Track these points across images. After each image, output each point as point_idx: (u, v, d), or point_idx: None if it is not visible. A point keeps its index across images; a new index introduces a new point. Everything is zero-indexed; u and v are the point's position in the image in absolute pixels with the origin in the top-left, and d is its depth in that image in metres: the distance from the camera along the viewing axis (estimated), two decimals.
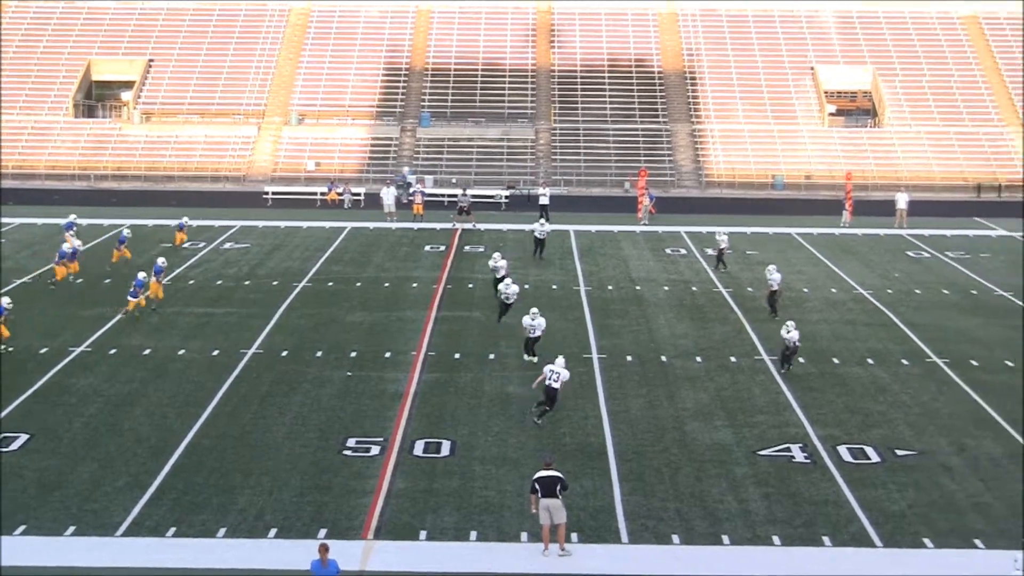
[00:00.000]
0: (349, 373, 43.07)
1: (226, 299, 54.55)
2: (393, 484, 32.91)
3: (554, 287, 57.57)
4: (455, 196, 79.12)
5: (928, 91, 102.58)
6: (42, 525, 29.89)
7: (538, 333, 44.06)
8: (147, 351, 45.46)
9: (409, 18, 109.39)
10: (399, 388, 41.42)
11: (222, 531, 29.80)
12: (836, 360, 45.63)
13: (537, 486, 28.79)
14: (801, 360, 43.98)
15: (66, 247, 57.92)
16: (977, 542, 29.86)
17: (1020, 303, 55.94)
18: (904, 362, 45.71)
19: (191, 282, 57.37)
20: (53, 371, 42.76)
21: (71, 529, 29.73)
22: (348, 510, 31.13)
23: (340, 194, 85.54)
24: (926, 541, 29.90)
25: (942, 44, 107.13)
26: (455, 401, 40.19)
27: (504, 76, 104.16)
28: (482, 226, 73.75)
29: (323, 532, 29.58)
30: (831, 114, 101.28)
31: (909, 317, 52.75)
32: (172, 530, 29.79)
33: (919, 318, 52.69)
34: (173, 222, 69.95)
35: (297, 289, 56.48)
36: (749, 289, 57.26)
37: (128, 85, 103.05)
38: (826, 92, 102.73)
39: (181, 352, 45.46)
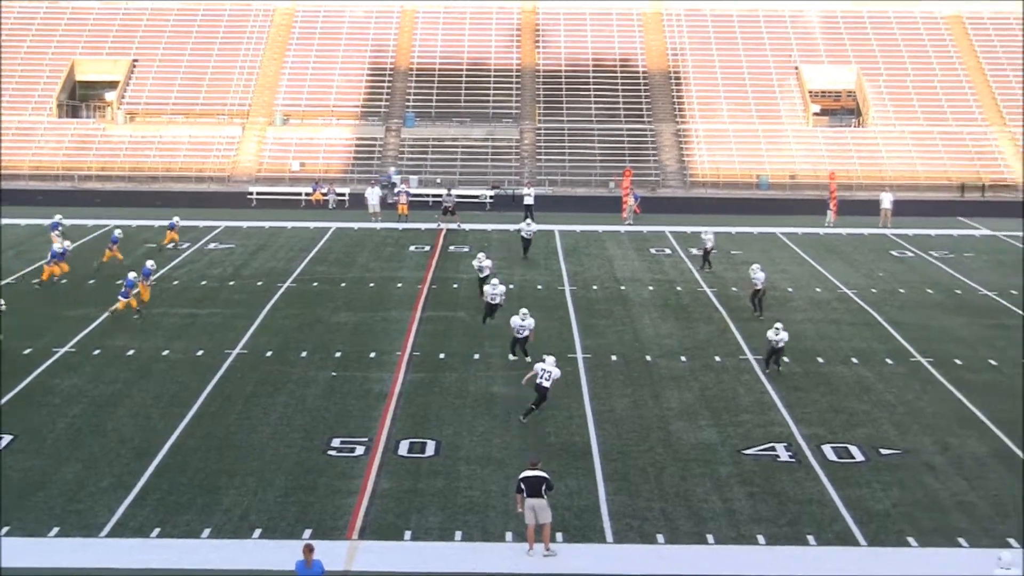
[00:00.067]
0: (334, 373, 43.04)
1: (210, 300, 54.48)
2: (378, 484, 32.89)
3: (539, 287, 57.57)
4: (440, 196, 79.13)
5: (912, 91, 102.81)
6: (26, 526, 29.81)
7: (526, 333, 44.03)
8: (131, 352, 45.38)
9: (394, 18, 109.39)
10: (384, 388, 41.40)
11: (207, 532, 29.75)
12: (820, 359, 45.69)
13: (523, 486, 28.78)
14: (786, 359, 44.01)
15: (57, 247, 57.73)
16: (961, 541, 29.92)
17: (1004, 302, 56.04)
18: (888, 361, 45.79)
19: (175, 283, 57.28)
20: (37, 372, 42.64)
21: (55, 530, 29.66)
22: (333, 510, 31.11)
23: (325, 194, 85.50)
24: (910, 540, 29.95)
25: (926, 44, 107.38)
26: (440, 401, 40.18)
27: (489, 76, 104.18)
28: (467, 226, 73.74)
29: (308, 532, 29.55)
30: (815, 114, 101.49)
31: (893, 316, 52.84)
32: (156, 531, 29.73)
33: (903, 317, 52.79)
34: (158, 223, 69.85)
35: (282, 289, 56.43)
36: (734, 289, 57.32)
37: (112, 85, 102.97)
38: (810, 92, 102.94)
39: (165, 353, 45.38)
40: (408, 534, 29.84)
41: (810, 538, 29.99)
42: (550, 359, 38.40)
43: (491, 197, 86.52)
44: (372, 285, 57.69)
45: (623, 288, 57.84)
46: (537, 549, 28.65)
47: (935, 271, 63.40)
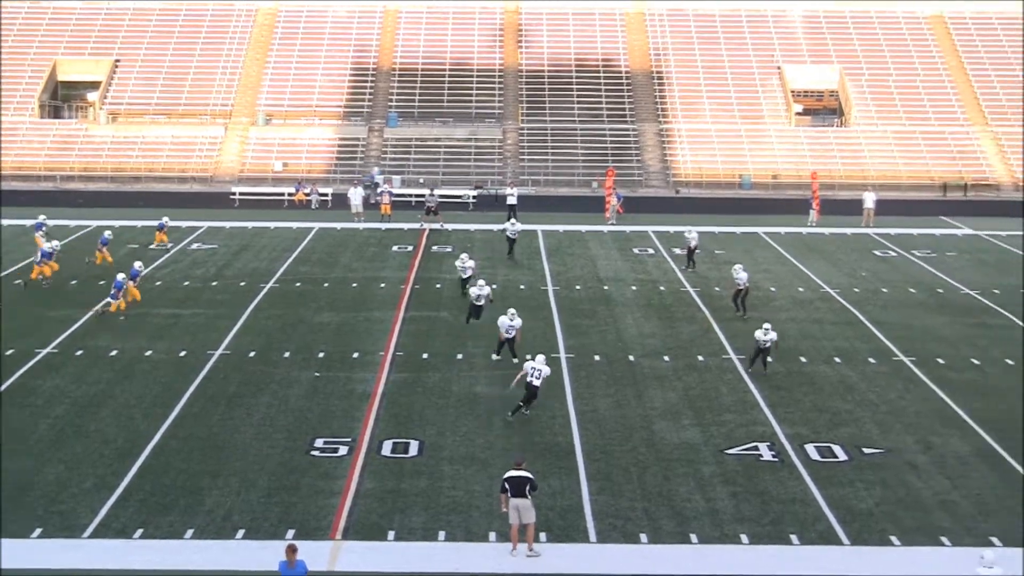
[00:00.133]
0: (317, 374, 42.99)
1: (193, 300, 54.39)
2: (361, 484, 32.86)
3: (522, 287, 57.57)
4: (422, 196, 79.15)
5: (894, 90, 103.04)
6: (8, 527, 29.69)
7: (513, 334, 44.02)
8: (114, 352, 45.29)
9: (376, 18, 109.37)
10: (367, 388, 41.36)
11: (190, 532, 29.70)
12: (803, 359, 45.74)
13: (507, 485, 28.79)
14: (769, 359, 44.02)
15: (46, 247, 57.52)
16: (943, 539, 29.98)
17: (986, 301, 56.17)
18: (871, 360, 45.86)
19: (158, 283, 57.16)
20: (19, 373, 42.52)
21: (38, 531, 29.58)
22: (316, 510, 31.07)
23: (307, 194, 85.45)
24: (893, 539, 29.99)
25: (908, 44, 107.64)
26: (423, 401, 40.16)
27: (471, 76, 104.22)
28: (450, 226, 73.74)
29: (291, 533, 29.51)
30: (798, 113, 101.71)
31: (876, 316, 52.93)
32: (139, 532, 29.67)
33: (886, 317, 52.88)
34: (141, 223, 69.71)
35: (264, 290, 56.36)
36: (716, 288, 57.36)
37: (94, 85, 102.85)
38: (793, 92, 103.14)
39: (148, 353, 45.29)
40: (391, 534, 29.82)
41: (793, 537, 30.03)
42: (540, 357, 38.46)
43: (474, 197, 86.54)
44: (355, 285, 57.66)
45: (606, 288, 57.87)
46: (520, 549, 28.65)
47: (917, 270, 63.53)
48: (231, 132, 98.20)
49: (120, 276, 51.44)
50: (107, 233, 62.08)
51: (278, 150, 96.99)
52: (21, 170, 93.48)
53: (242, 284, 57.37)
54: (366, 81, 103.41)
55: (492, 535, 29.75)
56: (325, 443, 35.99)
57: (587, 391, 41.38)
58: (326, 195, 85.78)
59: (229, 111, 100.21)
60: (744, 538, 29.94)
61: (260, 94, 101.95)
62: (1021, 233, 74.51)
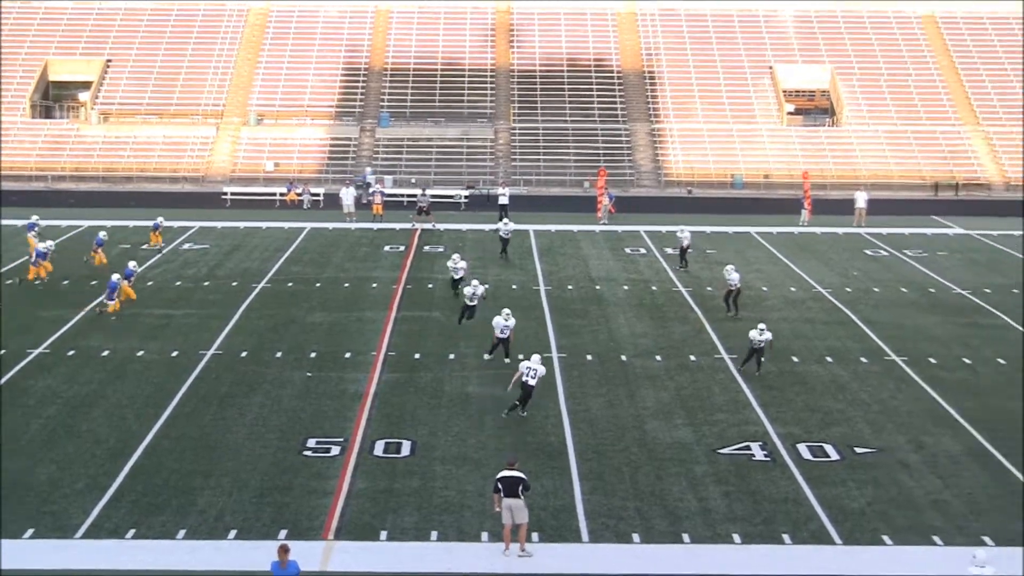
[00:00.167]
0: (309, 374, 42.97)
1: (185, 300, 54.35)
2: (353, 484, 32.86)
3: (514, 287, 57.57)
4: (414, 196, 79.08)
5: (886, 90, 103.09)
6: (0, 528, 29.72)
7: (507, 334, 44.02)
8: (106, 352, 45.25)
9: (368, 18, 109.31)
10: (359, 388, 41.36)
11: (182, 533, 29.67)
12: (795, 358, 45.77)
13: (500, 485, 28.78)
14: (763, 359, 44.00)
15: (41, 247, 57.43)
16: (935, 539, 30.01)
17: (977, 301, 56.24)
18: (863, 360, 45.91)
19: (150, 283, 57.08)
20: (11, 373, 42.48)
21: (30, 532, 29.54)
22: (308, 511, 31.06)
23: (299, 194, 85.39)
24: (885, 538, 30.03)
25: (900, 43, 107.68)
26: (415, 401, 40.16)
27: (463, 76, 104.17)
28: (441, 226, 73.72)
29: (283, 533, 29.49)
30: (790, 113, 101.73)
31: (868, 315, 52.98)
32: (132, 532, 29.64)
33: (878, 316, 52.93)
34: (132, 223, 69.63)
35: (256, 290, 56.33)
36: (708, 288, 57.39)
37: (86, 85, 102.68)
38: (784, 91, 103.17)
39: (140, 353, 45.26)
40: (384, 534, 29.81)
41: (785, 537, 30.05)
42: (535, 357, 38.52)
43: (466, 197, 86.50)
44: (347, 285, 57.64)
45: (598, 288, 57.89)
46: (513, 549, 28.65)
47: (909, 270, 63.58)
48: (223, 132, 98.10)
49: (115, 276, 51.42)
50: (102, 234, 61.98)
51: (270, 150, 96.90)
52: (12, 170, 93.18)
53: (234, 284, 57.35)
54: (358, 81, 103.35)
55: (484, 535, 29.76)
56: (317, 443, 35.98)
57: (579, 391, 41.39)
58: (318, 195, 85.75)
59: (221, 111, 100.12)
60: (736, 537, 29.95)
61: (252, 94, 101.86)
62: (1021, 233, 74.54)
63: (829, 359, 45.88)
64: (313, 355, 45.33)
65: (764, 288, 58.05)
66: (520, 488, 28.70)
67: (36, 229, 63.13)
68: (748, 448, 36.12)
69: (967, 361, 46.07)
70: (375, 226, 74.06)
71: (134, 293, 52.28)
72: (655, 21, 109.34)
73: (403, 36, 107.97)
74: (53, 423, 37.50)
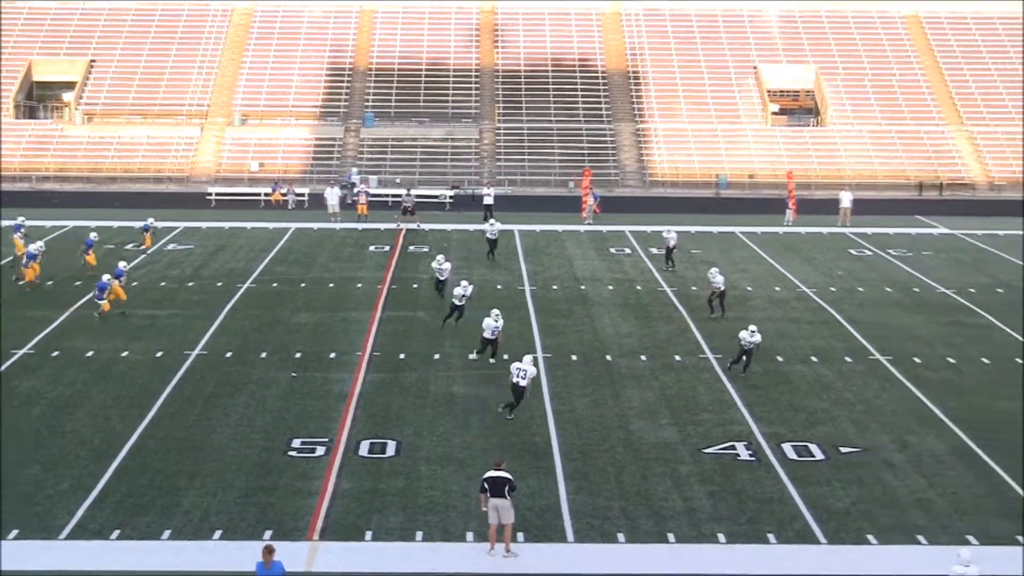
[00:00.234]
0: (294, 374, 42.94)
1: (170, 300, 54.28)
2: (338, 485, 32.83)
3: (499, 287, 57.56)
4: (399, 196, 79.05)
5: (870, 90, 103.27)
6: None
7: (496, 335, 44.01)
8: (90, 353, 45.17)
9: (352, 18, 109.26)
10: (344, 388, 41.33)
11: (167, 533, 29.63)
12: (780, 358, 45.81)
13: (486, 485, 28.78)
14: (751, 360, 43.96)
15: (32, 248, 57.24)
16: (920, 538, 30.06)
17: (962, 300, 56.39)
18: (847, 359, 45.97)
19: (134, 284, 56.93)
20: None
21: (14, 532, 29.46)
22: (293, 511, 31.04)
23: (284, 194, 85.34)
24: (870, 537, 30.07)
25: (884, 43, 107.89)
26: (400, 401, 40.14)
27: (448, 76, 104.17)
28: (426, 226, 73.70)
29: (268, 533, 29.46)
30: (774, 113, 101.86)
31: (852, 315, 53.06)
32: (116, 533, 29.59)
33: (862, 316, 53.01)
34: (117, 223, 69.43)
35: (241, 290, 56.27)
36: (693, 288, 57.42)
37: (70, 86, 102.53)
38: (769, 91, 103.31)
39: (125, 354, 45.19)
40: (369, 534, 29.80)
41: (770, 536, 30.09)
42: (527, 358, 38.51)
43: (451, 197, 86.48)
44: (332, 285, 57.60)
45: (583, 288, 57.90)
46: (498, 549, 28.65)
47: (893, 269, 63.69)
48: (207, 132, 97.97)
49: (105, 277, 51.32)
50: (92, 235, 61.78)
51: (254, 150, 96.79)
52: None
53: (219, 284, 57.28)
54: (342, 81, 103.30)
55: (470, 535, 29.75)
56: (302, 443, 35.95)
57: (564, 391, 41.39)
58: (303, 195, 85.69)
59: (205, 111, 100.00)
60: (721, 537, 29.98)
61: (236, 94, 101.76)
62: (1006, 233, 74.75)
63: (814, 359, 45.95)
64: (298, 355, 45.29)
65: (749, 288, 58.10)
66: (506, 488, 28.70)
67: (22, 230, 62.95)
68: (733, 448, 36.16)
69: (951, 360, 46.17)
70: (360, 226, 74.03)
71: (124, 294, 52.17)
72: (639, 21, 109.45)
73: (388, 36, 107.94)
74: (38, 424, 37.40)
